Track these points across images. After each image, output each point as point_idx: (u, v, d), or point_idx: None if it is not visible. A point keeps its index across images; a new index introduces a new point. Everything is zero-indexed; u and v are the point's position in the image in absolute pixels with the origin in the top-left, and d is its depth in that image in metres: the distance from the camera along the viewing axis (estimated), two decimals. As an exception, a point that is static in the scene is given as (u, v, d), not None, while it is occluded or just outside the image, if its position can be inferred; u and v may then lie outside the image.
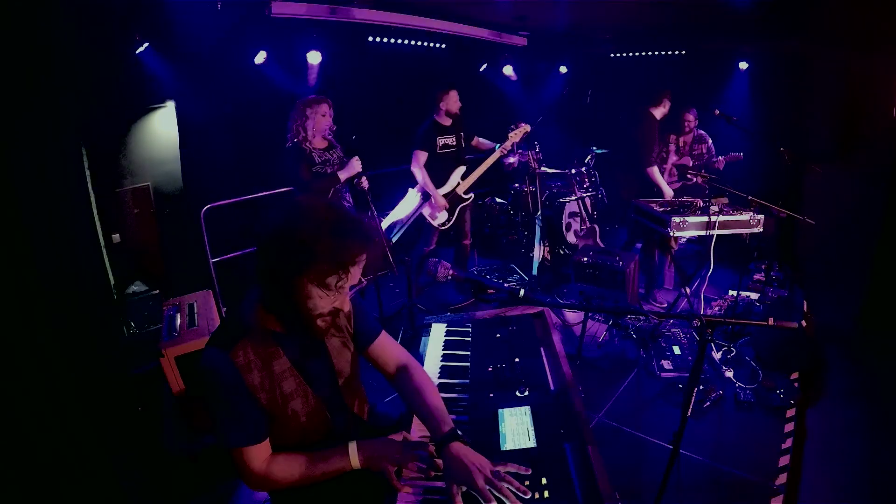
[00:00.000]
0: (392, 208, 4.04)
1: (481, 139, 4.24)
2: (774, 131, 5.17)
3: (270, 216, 1.20)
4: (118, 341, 3.56)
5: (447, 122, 3.98)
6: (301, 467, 1.28)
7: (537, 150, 5.04)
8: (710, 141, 5.14)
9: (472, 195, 4.17)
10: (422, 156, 3.89)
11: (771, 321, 1.53)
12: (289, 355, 1.30)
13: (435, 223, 4.06)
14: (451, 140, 4.01)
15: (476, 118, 4.18)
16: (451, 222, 4.10)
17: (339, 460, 1.28)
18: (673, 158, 4.89)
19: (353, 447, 1.29)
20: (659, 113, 4.34)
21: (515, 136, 4.12)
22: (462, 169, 4.07)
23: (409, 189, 4.06)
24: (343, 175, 3.27)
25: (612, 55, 6.82)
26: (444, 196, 4.01)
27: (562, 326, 3.97)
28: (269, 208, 1.10)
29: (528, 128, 4.15)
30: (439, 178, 3.98)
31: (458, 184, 4.05)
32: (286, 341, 1.30)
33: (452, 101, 3.95)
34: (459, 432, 1.27)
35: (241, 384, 1.22)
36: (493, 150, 4.16)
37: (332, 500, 1.40)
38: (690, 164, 5.06)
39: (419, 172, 3.91)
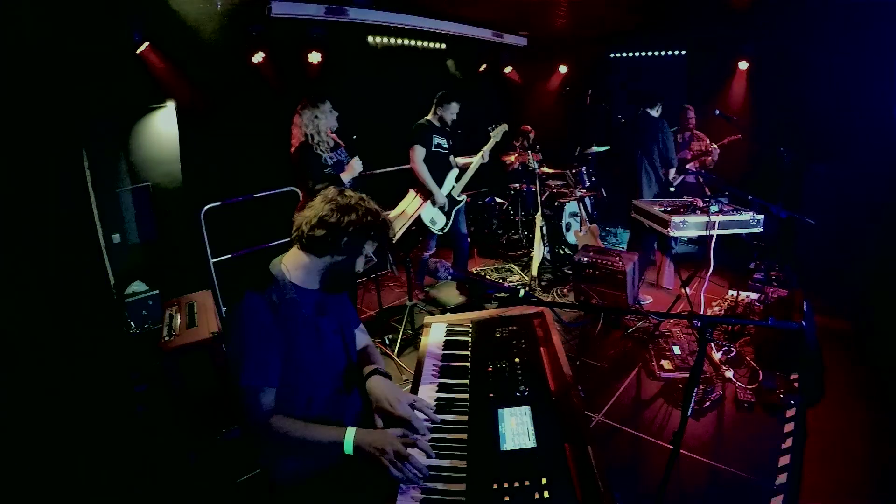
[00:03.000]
0: (391, 208, 4.04)
1: (461, 159, 4.22)
2: (774, 131, 5.17)
3: (333, 196, 1.54)
4: (118, 341, 3.56)
5: (439, 125, 4.04)
6: (300, 430, 1.36)
7: (538, 150, 5.05)
8: (708, 140, 5.16)
9: (464, 197, 4.20)
10: (421, 151, 3.90)
11: (771, 321, 1.53)
12: (306, 309, 1.50)
13: (435, 229, 4.07)
14: (444, 141, 4.05)
15: (474, 118, 4.18)
16: (448, 226, 4.12)
17: (334, 436, 1.34)
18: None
19: (350, 430, 1.34)
20: (656, 113, 4.39)
21: (496, 135, 4.16)
22: (455, 171, 4.10)
23: (410, 189, 4.07)
24: (345, 176, 3.26)
25: (612, 55, 6.82)
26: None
27: (562, 326, 3.97)
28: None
29: (505, 126, 4.21)
30: (436, 180, 3.99)
31: (453, 186, 4.08)
32: (305, 295, 1.51)
33: (451, 113, 4.01)
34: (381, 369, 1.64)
35: (270, 324, 1.39)
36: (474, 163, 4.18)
37: (334, 498, 1.40)
38: (689, 157, 5.08)
39: (421, 169, 3.91)
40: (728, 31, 5.44)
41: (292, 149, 3.28)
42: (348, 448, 1.31)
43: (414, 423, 1.41)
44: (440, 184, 4.02)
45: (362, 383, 1.60)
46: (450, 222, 4.12)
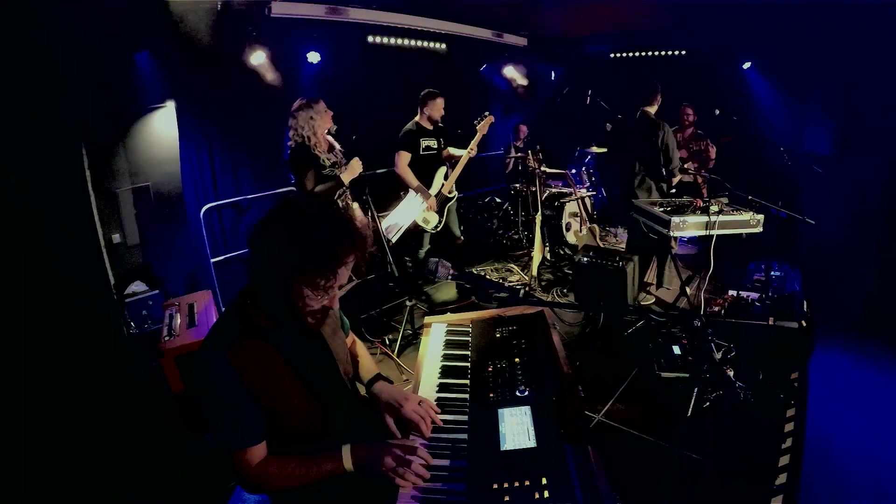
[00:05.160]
0: (391, 208, 4.04)
1: (452, 149, 4.23)
2: (774, 131, 5.18)
3: (262, 218, 1.24)
4: (118, 341, 3.56)
5: (429, 125, 4.02)
6: (296, 468, 1.30)
7: (538, 150, 5.05)
8: (708, 140, 5.16)
9: (455, 193, 4.19)
10: (405, 157, 3.91)
11: (771, 321, 1.53)
12: (284, 353, 1.31)
13: (428, 228, 4.07)
14: (433, 143, 4.05)
15: (472, 118, 4.17)
16: (441, 224, 4.12)
17: (332, 462, 1.30)
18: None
19: (346, 450, 1.30)
20: (653, 111, 4.34)
21: (483, 128, 4.12)
22: (444, 169, 4.10)
23: (410, 190, 4.07)
24: (346, 177, 3.25)
25: (612, 55, 6.82)
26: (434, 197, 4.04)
27: (561, 326, 3.97)
28: (258, 222, 1.17)
29: (492, 118, 4.17)
30: (424, 180, 3.99)
31: (443, 184, 4.08)
32: (281, 339, 1.31)
33: (437, 109, 3.99)
34: (382, 374, 1.61)
35: (240, 385, 1.23)
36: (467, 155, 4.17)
37: (334, 499, 1.40)
38: (686, 156, 5.08)
39: (405, 174, 3.92)
40: (729, 30, 5.44)
41: (289, 151, 3.25)
42: (349, 468, 1.30)
43: (421, 425, 1.41)
44: (430, 183, 4.02)
45: (360, 395, 1.58)
46: (442, 220, 4.13)
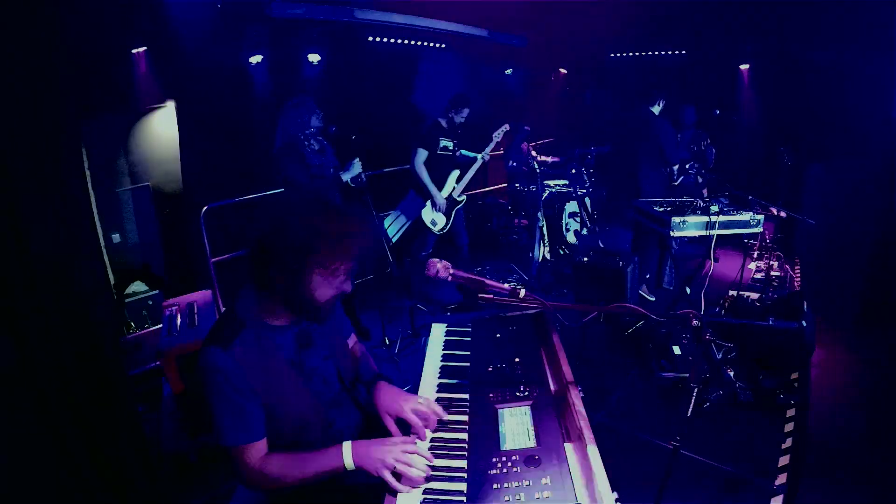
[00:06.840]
0: (392, 208, 4.05)
1: (464, 152, 4.26)
2: (774, 131, 5.18)
3: (274, 211, 1.30)
4: (118, 341, 3.56)
5: (447, 127, 4.04)
6: (296, 466, 1.30)
7: (537, 149, 5.05)
8: (708, 140, 5.16)
9: (464, 197, 4.20)
10: (423, 154, 3.91)
11: (771, 321, 1.53)
12: (284, 352, 1.33)
13: (435, 230, 4.07)
14: (449, 143, 4.05)
15: (474, 118, 4.18)
16: (448, 226, 4.12)
17: (333, 460, 1.29)
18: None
19: (347, 447, 1.30)
20: (657, 111, 4.38)
21: (498, 135, 4.18)
22: (457, 172, 4.11)
23: (410, 190, 4.07)
24: (346, 176, 3.25)
25: (612, 55, 6.82)
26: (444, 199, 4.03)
27: (562, 326, 3.97)
28: (267, 205, 1.16)
29: (507, 126, 4.23)
30: (437, 180, 4.00)
31: (454, 187, 4.08)
32: (281, 338, 1.33)
33: (461, 116, 4.04)
34: (382, 374, 1.60)
35: (241, 381, 1.25)
36: (475, 159, 4.20)
37: (332, 501, 1.40)
38: (686, 156, 5.08)
39: (422, 171, 3.92)
40: (728, 31, 5.44)
41: (276, 149, 3.22)
42: (350, 466, 1.29)
43: (420, 424, 1.40)
44: (442, 184, 4.03)
45: (361, 393, 1.58)
46: (450, 223, 4.13)
